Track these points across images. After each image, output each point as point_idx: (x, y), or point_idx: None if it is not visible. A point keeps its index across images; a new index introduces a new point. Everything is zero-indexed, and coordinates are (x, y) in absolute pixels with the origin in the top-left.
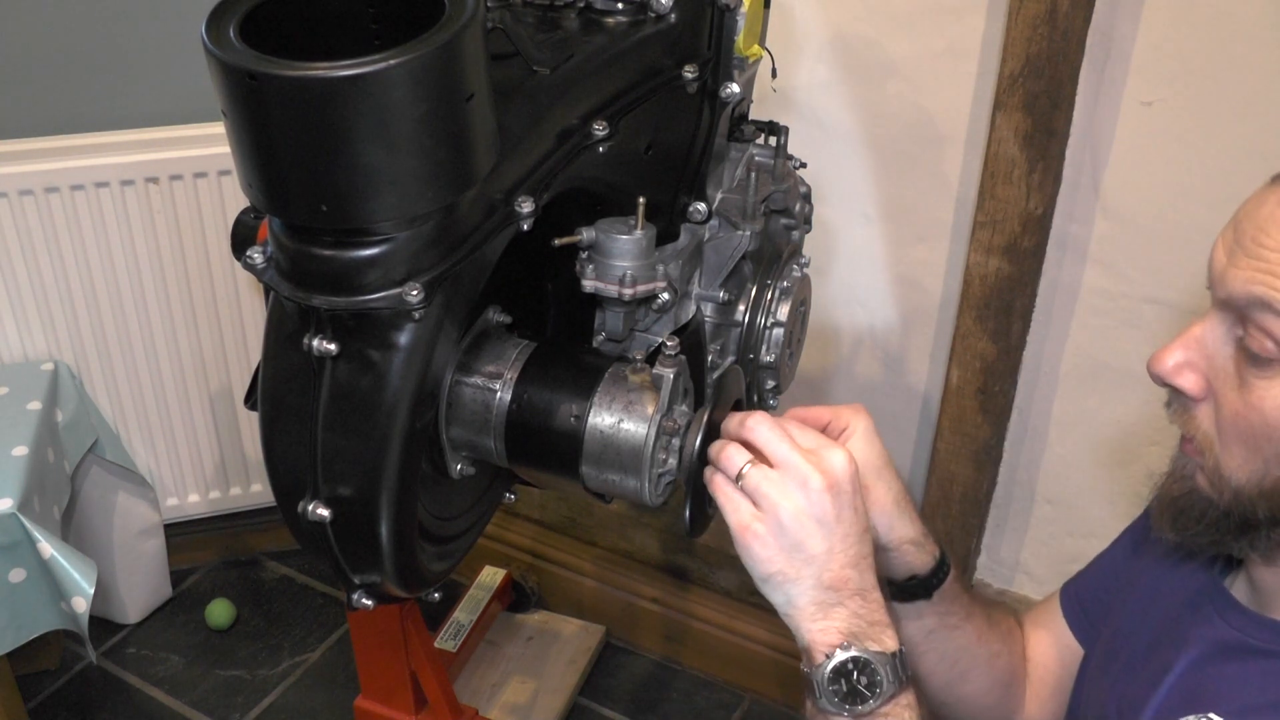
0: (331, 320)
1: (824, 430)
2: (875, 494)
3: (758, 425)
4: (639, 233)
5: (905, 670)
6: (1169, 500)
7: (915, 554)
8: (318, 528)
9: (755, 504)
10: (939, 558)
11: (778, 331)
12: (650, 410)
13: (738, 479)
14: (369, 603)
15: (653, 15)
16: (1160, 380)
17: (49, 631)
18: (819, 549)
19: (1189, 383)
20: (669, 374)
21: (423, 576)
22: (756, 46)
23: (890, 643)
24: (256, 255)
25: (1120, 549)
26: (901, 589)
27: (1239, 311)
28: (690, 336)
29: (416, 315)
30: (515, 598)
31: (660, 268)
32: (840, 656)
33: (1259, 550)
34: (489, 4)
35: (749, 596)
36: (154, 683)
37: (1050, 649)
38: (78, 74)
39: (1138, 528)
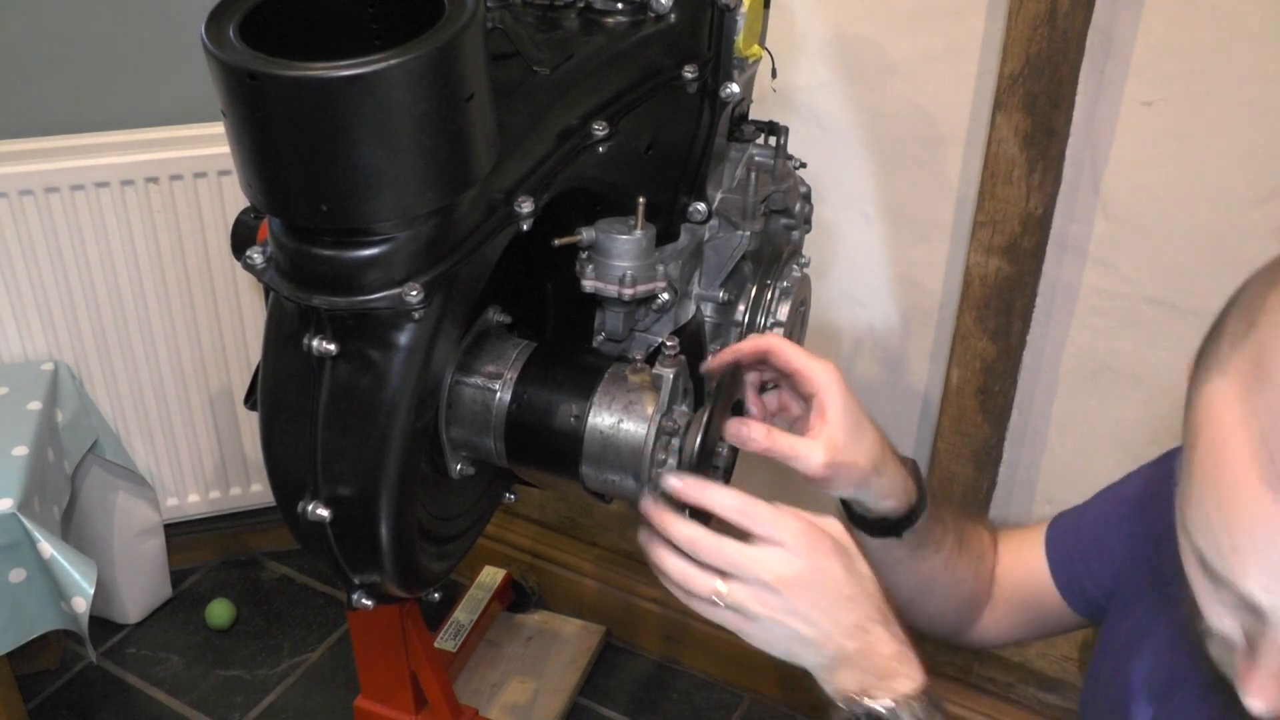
0: (331, 320)
1: (790, 381)
2: (852, 468)
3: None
4: (639, 233)
5: (925, 713)
6: None
7: (888, 505)
8: (318, 528)
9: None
10: (912, 505)
11: (778, 331)
12: (650, 410)
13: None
14: (369, 603)
15: (653, 15)
16: None
17: (49, 631)
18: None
19: None
20: (669, 374)
21: (422, 576)
22: (756, 46)
23: (903, 685)
24: (256, 255)
25: (1121, 525)
26: (871, 526)
27: None
28: (690, 336)
29: (416, 315)
30: (515, 598)
31: (660, 268)
32: (848, 710)
33: None
34: (489, 4)
35: None
36: (154, 683)
37: (1021, 575)
38: (78, 74)
39: (1143, 513)
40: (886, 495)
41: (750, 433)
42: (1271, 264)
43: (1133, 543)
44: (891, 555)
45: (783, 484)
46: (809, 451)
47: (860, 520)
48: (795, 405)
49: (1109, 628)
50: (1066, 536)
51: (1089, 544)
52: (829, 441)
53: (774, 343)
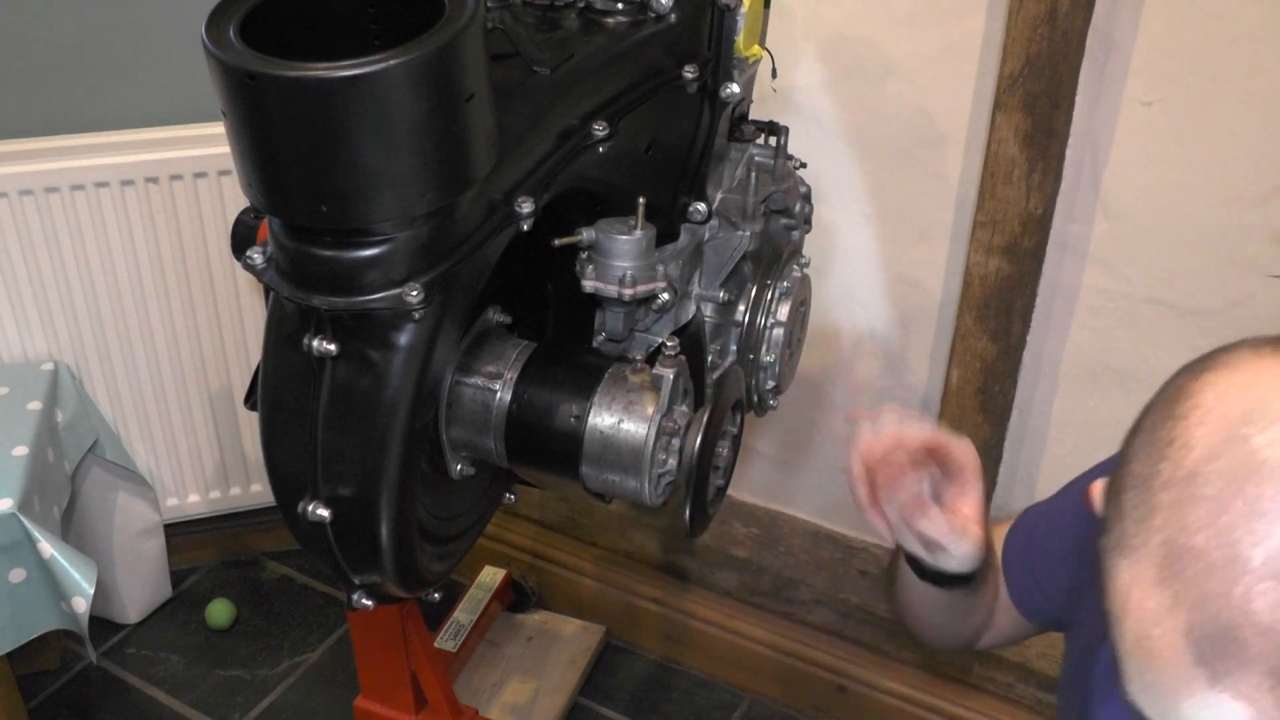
0: (331, 320)
1: (931, 456)
2: (972, 551)
3: None
4: (639, 233)
5: None
6: None
7: (960, 570)
8: (318, 528)
9: None
10: (975, 570)
11: (778, 331)
12: (650, 410)
13: None
14: (369, 603)
15: (653, 15)
16: None
17: (49, 631)
18: None
19: None
20: (669, 374)
21: (422, 576)
22: (756, 46)
23: None
24: (256, 255)
25: (1065, 549)
26: (929, 575)
27: None
28: (690, 337)
29: (416, 315)
30: (515, 598)
31: (660, 268)
32: None
33: None
34: (489, 4)
35: (749, 597)
36: (154, 683)
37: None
38: (78, 74)
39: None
40: (964, 564)
41: (932, 524)
42: (1152, 417)
43: (1081, 573)
44: (937, 596)
45: (783, 484)
46: (963, 538)
47: (918, 567)
48: (912, 469)
49: (1071, 660)
50: (1019, 548)
51: (1040, 559)
52: (980, 530)
53: (927, 436)
